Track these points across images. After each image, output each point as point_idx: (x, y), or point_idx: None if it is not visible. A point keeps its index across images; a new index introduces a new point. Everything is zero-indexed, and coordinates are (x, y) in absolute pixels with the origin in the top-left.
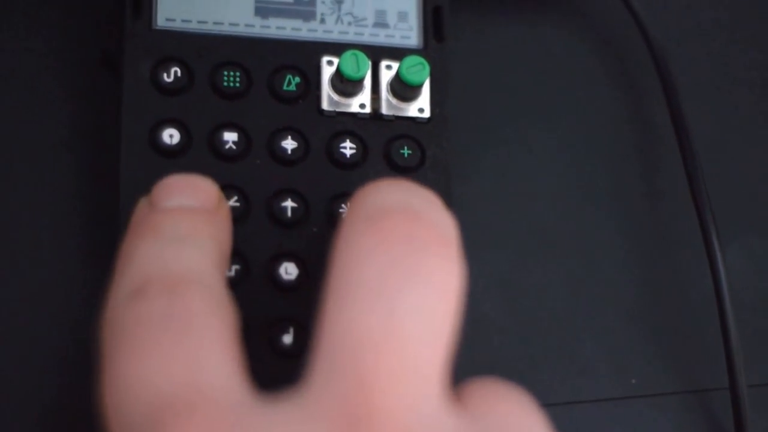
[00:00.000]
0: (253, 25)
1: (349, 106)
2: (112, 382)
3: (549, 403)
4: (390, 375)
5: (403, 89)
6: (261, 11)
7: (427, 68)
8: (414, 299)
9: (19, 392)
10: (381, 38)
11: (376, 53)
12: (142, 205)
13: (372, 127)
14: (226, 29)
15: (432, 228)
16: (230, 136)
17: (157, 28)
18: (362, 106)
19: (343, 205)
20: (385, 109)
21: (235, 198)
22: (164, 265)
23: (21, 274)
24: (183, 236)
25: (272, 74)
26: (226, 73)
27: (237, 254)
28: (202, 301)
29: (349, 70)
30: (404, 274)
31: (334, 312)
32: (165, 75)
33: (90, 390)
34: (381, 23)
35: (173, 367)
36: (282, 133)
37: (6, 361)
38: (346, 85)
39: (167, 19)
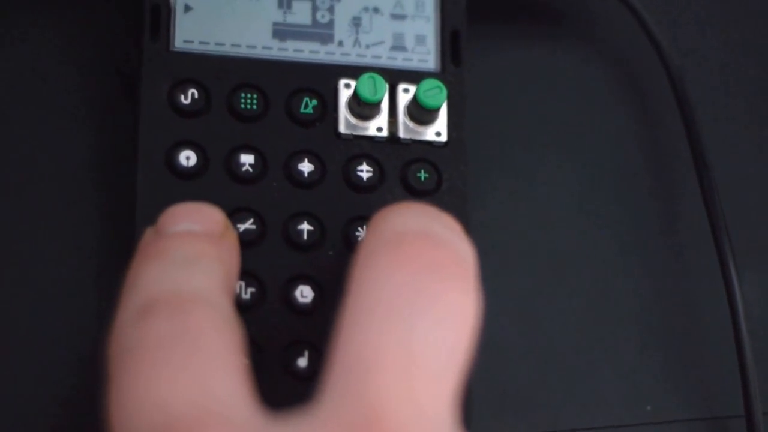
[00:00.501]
0: (270, 48)
1: (366, 129)
2: (121, 400)
3: (563, 430)
4: (400, 398)
5: (421, 113)
6: (279, 34)
7: (445, 92)
8: (429, 325)
9: (30, 404)
10: (398, 61)
11: (394, 76)
12: (149, 232)
13: (389, 150)
14: (243, 51)
15: (451, 255)
16: (247, 159)
17: (175, 49)
18: (379, 129)
19: (359, 229)
20: (402, 133)
21: (251, 220)
22: (171, 285)
23: (38, 292)
24: (190, 258)
25: (289, 97)
26: (243, 95)
27: (252, 277)
28: (210, 319)
29: (367, 93)
30: (421, 300)
31: (349, 332)
32: (182, 97)
33: (99, 405)
34: (399, 46)
35: (183, 385)
36: (299, 156)
37: (18, 372)
38: (363, 108)
39: (185, 41)
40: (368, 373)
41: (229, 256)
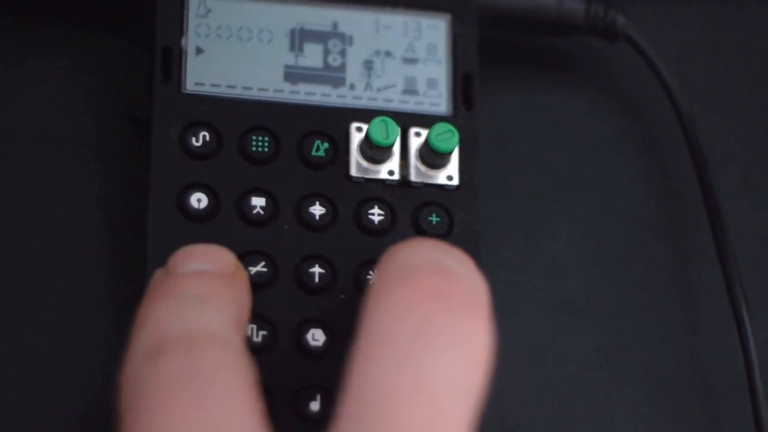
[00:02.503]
0: (282, 91)
1: (377, 172)
2: None
3: None
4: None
5: (432, 156)
6: (290, 77)
7: (457, 136)
8: (443, 359)
9: None
10: (410, 105)
11: (406, 120)
12: (158, 273)
13: (400, 193)
14: (255, 94)
15: (465, 289)
16: (258, 201)
17: (186, 92)
18: (391, 172)
19: (371, 272)
20: (413, 176)
21: (263, 263)
22: (182, 323)
23: (48, 335)
24: (200, 296)
25: (301, 140)
26: (254, 138)
27: (264, 320)
28: (222, 358)
29: (379, 137)
30: (435, 334)
31: (362, 366)
32: (194, 139)
33: None
34: (410, 90)
35: (195, 426)
36: (310, 199)
37: (30, 411)
38: (375, 151)
39: (196, 84)
40: (381, 407)
41: (241, 295)
